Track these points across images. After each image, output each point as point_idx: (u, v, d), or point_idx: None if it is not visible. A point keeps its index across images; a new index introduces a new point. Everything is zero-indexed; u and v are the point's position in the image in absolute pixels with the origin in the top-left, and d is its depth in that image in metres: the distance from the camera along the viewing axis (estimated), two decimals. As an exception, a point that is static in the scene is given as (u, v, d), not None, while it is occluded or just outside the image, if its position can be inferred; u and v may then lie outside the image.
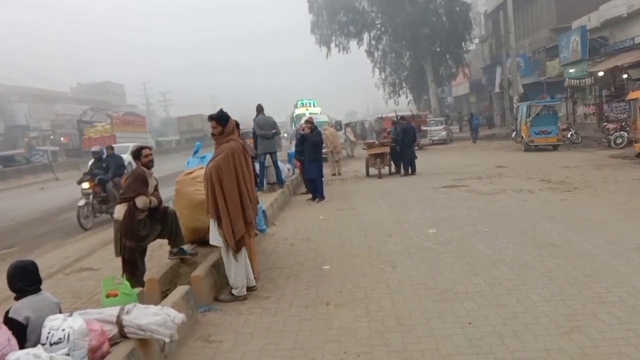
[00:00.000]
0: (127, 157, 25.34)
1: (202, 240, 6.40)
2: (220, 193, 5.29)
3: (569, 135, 22.65)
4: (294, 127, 25.61)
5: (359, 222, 9.11)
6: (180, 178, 6.77)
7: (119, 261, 5.89)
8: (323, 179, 12.31)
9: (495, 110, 44.78)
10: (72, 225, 11.27)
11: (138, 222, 5.65)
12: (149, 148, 6.11)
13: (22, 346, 3.39)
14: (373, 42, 44.41)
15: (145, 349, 3.81)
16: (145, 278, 5.69)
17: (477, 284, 5.38)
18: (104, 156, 12.41)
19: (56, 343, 3.34)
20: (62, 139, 56.71)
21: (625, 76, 23.53)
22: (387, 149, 15.93)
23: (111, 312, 3.79)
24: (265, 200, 9.90)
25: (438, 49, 41.55)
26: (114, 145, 14.86)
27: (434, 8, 41.00)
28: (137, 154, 5.91)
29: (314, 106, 30.86)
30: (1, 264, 7.92)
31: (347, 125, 30.43)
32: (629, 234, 6.94)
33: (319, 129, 13.14)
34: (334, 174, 16.97)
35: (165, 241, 6.29)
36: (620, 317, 4.32)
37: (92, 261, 8.00)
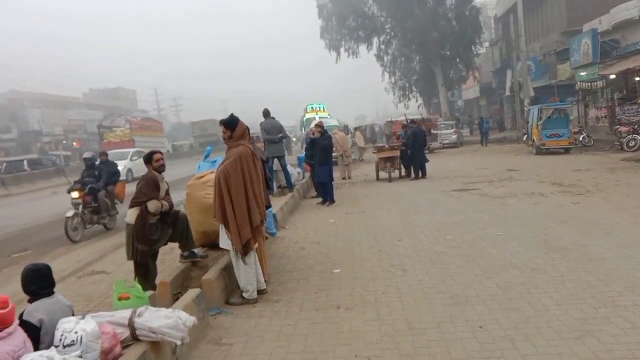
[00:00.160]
0: (127, 163, 25.02)
1: (212, 243, 6.43)
2: (228, 197, 5.33)
3: (580, 138, 22.47)
4: (304, 131, 25.66)
5: (369, 225, 9.10)
6: (191, 182, 6.81)
7: (130, 264, 5.94)
8: (333, 182, 12.33)
9: (506, 114, 44.56)
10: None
11: (150, 226, 5.70)
12: (160, 153, 6.16)
13: (35, 348, 3.42)
14: (382, 47, 44.36)
15: (157, 352, 3.83)
16: (157, 281, 5.73)
17: (488, 287, 5.36)
18: (97, 163, 11.72)
19: (69, 345, 3.37)
20: (74, 143, 57.27)
21: (637, 79, 23.31)
22: (397, 153, 15.92)
23: (123, 314, 3.82)
24: (276, 204, 9.91)
25: (448, 53, 41.40)
26: (108, 152, 14.21)
27: (444, 12, 40.91)
28: (148, 158, 5.95)
29: (324, 110, 30.90)
30: (15, 267, 8.04)
31: (356, 129, 30.32)
32: (642, 238, 6.87)
33: (329, 132, 13.16)
34: (344, 178, 16.97)
35: (177, 245, 6.33)
36: (633, 322, 4.27)
37: (104, 264, 8.05)
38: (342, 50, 43.33)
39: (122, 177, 22.87)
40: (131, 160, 25.77)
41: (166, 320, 3.80)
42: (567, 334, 4.13)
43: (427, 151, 18.09)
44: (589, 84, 26.61)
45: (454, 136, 31.34)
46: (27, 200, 20.31)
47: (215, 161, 7.39)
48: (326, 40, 43.25)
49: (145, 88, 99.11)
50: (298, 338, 4.47)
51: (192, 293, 4.88)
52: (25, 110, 55.36)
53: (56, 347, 3.37)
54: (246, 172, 5.40)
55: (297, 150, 24.79)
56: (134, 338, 3.75)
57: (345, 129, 26.11)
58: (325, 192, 12.07)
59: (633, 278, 5.32)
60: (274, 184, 12.17)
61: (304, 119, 29.70)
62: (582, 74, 27.23)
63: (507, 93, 40.03)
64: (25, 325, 3.49)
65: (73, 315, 3.77)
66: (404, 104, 46.87)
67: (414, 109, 46.36)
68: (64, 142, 57.49)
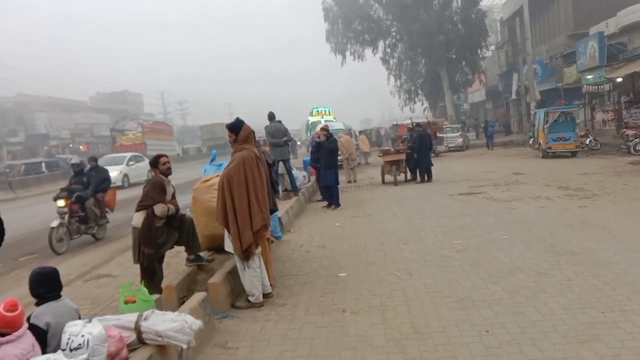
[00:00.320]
0: (123, 168, 24.34)
1: (218, 247, 6.43)
2: (230, 202, 5.34)
3: (587, 142, 22.39)
4: (309, 135, 25.67)
5: (375, 229, 9.10)
6: (197, 186, 6.84)
7: (137, 268, 5.95)
8: (338, 186, 12.33)
9: (512, 117, 44.46)
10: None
11: (156, 230, 5.71)
12: (166, 156, 6.18)
13: (43, 351, 3.44)
14: (388, 50, 44.42)
15: (163, 355, 3.84)
16: (163, 285, 5.74)
17: (494, 291, 5.34)
18: (86, 169, 10.97)
19: (76, 349, 3.38)
20: (81, 147, 57.58)
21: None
22: (403, 156, 15.90)
23: (129, 318, 3.83)
24: (281, 208, 9.92)
25: (454, 56, 41.38)
26: (105, 156, 13.66)
27: (449, 15, 40.89)
28: (155, 161, 5.97)
29: (329, 114, 30.91)
30: (22, 270, 8.08)
31: (361, 132, 30.21)
32: (649, 242, 6.83)
33: (335, 136, 13.17)
34: (349, 181, 16.96)
35: (182, 248, 6.34)
36: (641, 326, 4.25)
37: (111, 268, 8.07)
38: (347, 53, 43.43)
39: (118, 182, 22.48)
40: (127, 165, 24.92)
41: (172, 323, 3.81)
42: (573, 338, 4.11)
43: (432, 155, 18.07)
44: (596, 87, 26.53)
45: (460, 139, 31.30)
46: (34, 203, 20.37)
47: (221, 164, 7.41)
48: (332, 43, 43.35)
49: (152, 91, 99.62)
50: (304, 342, 4.47)
51: (198, 297, 4.89)
52: (33, 113, 55.67)
53: (63, 350, 3.39)
54: (249, 176, 5.38)
55: (302, 153, 24.76)
56: (140, 342, 3.76)
57: (349, 132, 26.06)
58: (330, 195, 12.08)
59: (640, 282, 5.28)
60: (280, 187, 12.18)
61: (310, 122, 29.72)
62: (588, 77, 27.14)
63: (513, 96, 39.95)
64: (32, 328, 3.51)
65: (80, 318, 3.78)
66: (410, 107, 46.90)
67: (419, 112, 46.36)
68: (71, 145, 57.82)
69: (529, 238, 7.51)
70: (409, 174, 16.37)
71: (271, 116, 12.38)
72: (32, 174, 28.17)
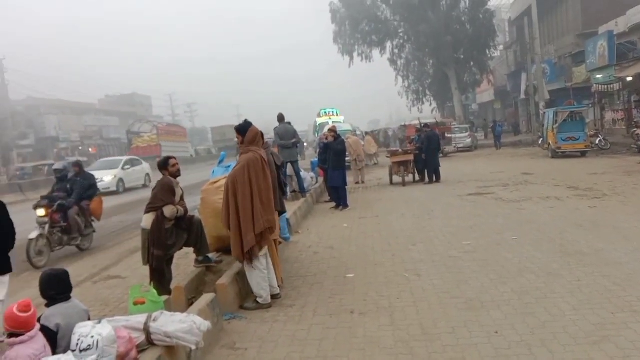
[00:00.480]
0: (118, 173, 23.10)
1: (227, 248, 6.43)
2: (234, 204, 5.35)
3: (597, 142, 22.25)
4: (317, 136, 25.69)
5: (383, 230, 9.08)
6: (205, 187, 6.86)
7: (145, 269, 5.98)
8: (346, 187, 12.32)
9: (521, 117, 44.27)
10: (100, 234, 11.32)
11: (165, 231, 5.74)
12: (175, 158, 6.21)
13: (53, 352, 3.47)
14: (396, 51, 44.42)
15: (172, 356, 3.86)
16: (172, 286, 5.77)
17: (503, 292, 5.31)
18: (70, 175, 10.09)
19: (85, 350, 3.41)
20: (90, 149, 57.95)
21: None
22: (411, 157, 15.87)
23: (139, 319, 3.85)
24: (289, 209, 9.93)
25: (462, 56, 41.27)
26: (81, 160, 11.78)
27: (457, 16, 40.78)
28: (164, 163, 6.00)
29: (337, 115, 30.92)
30: (32, 272, 8.13)
31: (367, 133, 30.07)
32: (660, 242, 6.77)
33: (342, 137, 13.18)
34: (357, 182, 16.94)
35: (191, 249, 6.37)
36: (652, 327, 4.21)
37: (120, 269, 8.12)
38: (355, 54, 43.46)
39: (112, 187, 21.96)
40: (123, 169, 23.60)
41: (181, 324, 3.82)
42: (583, 340, 4.09)
43: (441, 155, 18.01)
44: (605, 86, 26.33)
45: (469, 140, 31.19)
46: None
47: (229, 166, 7.44)
48: (339, 45, 43.40)
49: (160, 94, 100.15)
50: (312, 343, 4.47)
51: (206, 298, 4.91)
52: (43, 116, 56.06)
53: (73, 351, 3.41)
54: (253, 178, 5.37)
55: (310, 154, 24.76)
56: (149, 342, 3.78)
57: (355, 133, 26.02)
58: (338, 196, 12.07)
59: (651, 283, 5.24)
60: (288, 188, 12.20)
61: (317, 123, 29.75)
62: (598, 76, 26.95)
63: (522, 96, 39.79)
64: (42, 329, 3.53)
65: (89, 319, 3.81)
66: (418, 108, 46.86)
67: (427, 112, 46.29)
68: (80, 148, 58.18)
69: (538, 239, 7.47)
70: (417, 174, 16.33)
71: (281, 118, 12.41)
72: (42, 176, 28.37)
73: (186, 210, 6.04)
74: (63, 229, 9.40)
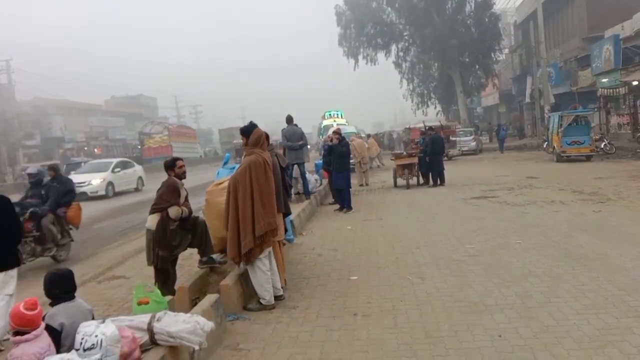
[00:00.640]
0: (107, 176, 21.68)
1: (230, 249, 6.47)
2: (234, 205, 5.35)
3: (602, 146, 22.18)
4: (321, 138, 25.67)
5: (386, 233, 9.08)
6: (210, 188, 6.88)
7: (149, 270, 6.00)
8: (350, 189, 12.32)
9: (526, 121, 44.17)
10: (104, 234, 11.40)
11: (171, 232, 5.76)
12: (182, 159, 6.23)
13: (57, 351, 3.49)
14: (401, 54, 44.39)
15: (175, 356, 3.87)
16: (176, 286, 5.79)
17: (507, 296, 5.30)
18: (45, 179, 9.23)
19: (89, 349, 3.42)
20: (95, 150, 58.18)
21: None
22: (415, 160, 15.85)
23: (142, 319, 3.87)
24: (293, 211, 9.91)
25: (467, 60, 41.20)
26: (58, 166, 10.66)
27: (463, 19, 40.73)
28: (171, 164, 6.02)
29: (342, 117, 30.88)
30: (36, 271, 8.15)
31: (369, 136, 30.01)
32: (665, 247, 6.75)
33: (347, 139, 13.19)
34: (361, 185, 16.94)
35: (195, 250, 6.39)
36: (656, 332, 4.20)
37: (124, 269, 8.14)
38: (360, 57, 43.46)
39: (101, 191, 20.84)
40: (113, 172, 22.19)
41: (184, 325, 3.84)
42: (587, 344, 4.08)
43: (445, 158, 17.99)
44: (611, 90, 26.27)
45: (473, 143, 31.13)
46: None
47: (234, 167, 7.46)
48: (344, 47, 43.42)
49: (166, 95, 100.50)
50: (315, 345, 4.48)
51: (210, 298, 4.92)
52: (49, 117, 56.30)
53: (77, 350, 3.43)
54: (254, 181, 5.35)
55: (313, 157, 24.76)
56: (153, 342, 3.79)
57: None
58: (342, 198, 12.07)
59: (656, 288, 5.22)
60: (292, 190, 12.21)
61: (322, 125, 29.73)
62: (603, 80, 26.88)
63: (527, 100, 39.70)
64: (46, 328, 3.56)
65: (93, 319, 3.83)
66: (423, 111, 46.77)
67: (432, 115, 46.21)
68: (86, 148, 58.42)
69: (542, 242, 7.45)
70: (421, 177, 16.31)
71: (289, 119, 12.44)
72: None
73: (191, 211, 6.06)
74: (36, 238, 8.56)
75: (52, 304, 3.82)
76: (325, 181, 14.96)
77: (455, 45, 38.26)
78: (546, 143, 25.05)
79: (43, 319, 3.63)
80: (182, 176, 6.02)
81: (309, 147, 29.46)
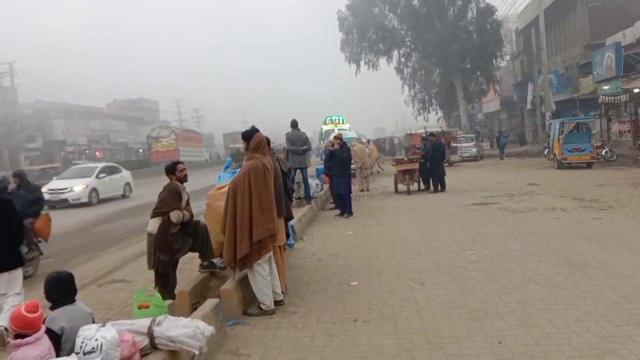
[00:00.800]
0: (91, 182, 20.01)
1: (231, 254, 6.46)
2: (232, 211, 5.35)
3: (603, 153, 22.19)
4: (322, 143, 25.70)
5: (387, 238, 9.07)
6: (211, 193, 6.88)
7: (150, 273, 6.00)
8: (351, 194, 12.32)
9: (527, 127, 44.21)
10: (105, 238, 11.40)
11: (172, 236, 5.76)
12: (182, 163, 6.24)
13: (57, 355, 3.49)
14: (403, 60, 44.56)
15: (175, 361, 3.87)
16: (176, 291, 5.79)
17: (507, 303, 5.30)
18: (10, 188, 8.35)
19: (89, 352, 3.42)
20: (97, 153, 58.30)
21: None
22: (416, 166, 15.85)
23: (142, 323, 3.87)
24: (294, 216, 9.92)
25: (468, 66, 41.34)
26: (23, 172, 9.39)
27: (464, 25, 40.88)
28: (172, 168, 6.03)
29: (343, 122, 30.90)
30: (37, 275, 8.16)
31: (369, 141, 29.99)
32: (666, 255, 6.74)
33: (348, 144, 13.20)
34: (362, 190, 16.93)
35: (196, 254, 6.39)
36: (657, 340, 4.19)
37: (125, 273, 8.14)
38: (362, 63, 43.59)
39: (84, 199, 19.24)
40: (97, 177, 20.76)
41: (185, 329, 3.84)
42: (588, 352, 4.07)
43: (446, 164, 17.99)
44: (612, 97, 26.32)
45: (474, 149, 31.15)
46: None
47: (235, 172, 7.47)
48: (346, 53, 43.56)
49: (168, 99, 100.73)
50: (315, 350, 4.47)
51: (210, 303, 4.92)
52: (51, 120, 56.48)
53: (77, 354, 3.43)
54: (253, 186, 5.35)
55: (314, 161, 24.77)
56: (153, 347, 3.79)
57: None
58: (343, 204, 12.07)
59: (657, 296, 5.21)
60: (294, 195, 12.20)
61: (323, 130, 29.75)
62: (604, 87, 26.92)
63: (528, 106, 39.76)
64: (47, 332, 3.56)
65: (93, 322, 3.82)
66: (424, 117, 46.87)
67: (433, 121, 46.29)
68: (87, 151, 58.57)
69: (543, 249, 7.44)
70: (422, 183, 16.31)
71: (294, 124, 12.46)
72: (48, 180, 28.41)
73: (192, 215, 6.06)
74: None
75: (52, 308, 3.82)
76: (326, 186, 14.97)
77: (456, 51, 38.38)
78: (547, 150, 25.06)
79: (43, 322, 3.63)
80: (183, 180, 6.02)
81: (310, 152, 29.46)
